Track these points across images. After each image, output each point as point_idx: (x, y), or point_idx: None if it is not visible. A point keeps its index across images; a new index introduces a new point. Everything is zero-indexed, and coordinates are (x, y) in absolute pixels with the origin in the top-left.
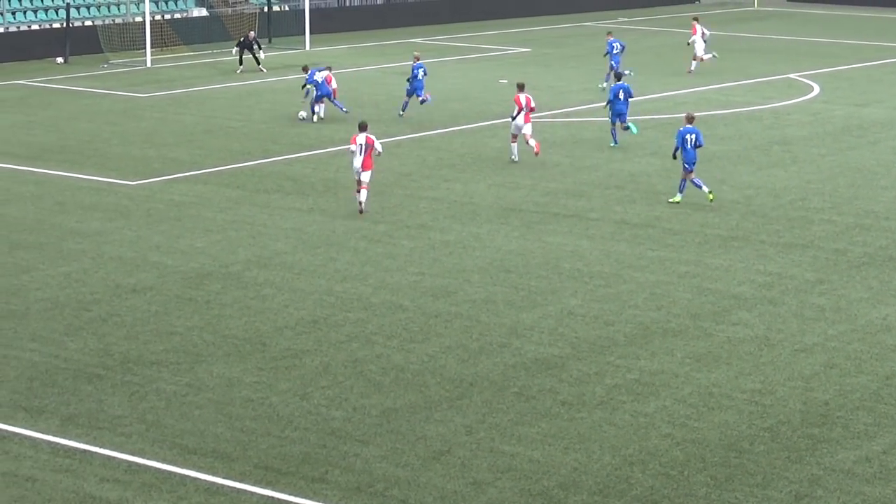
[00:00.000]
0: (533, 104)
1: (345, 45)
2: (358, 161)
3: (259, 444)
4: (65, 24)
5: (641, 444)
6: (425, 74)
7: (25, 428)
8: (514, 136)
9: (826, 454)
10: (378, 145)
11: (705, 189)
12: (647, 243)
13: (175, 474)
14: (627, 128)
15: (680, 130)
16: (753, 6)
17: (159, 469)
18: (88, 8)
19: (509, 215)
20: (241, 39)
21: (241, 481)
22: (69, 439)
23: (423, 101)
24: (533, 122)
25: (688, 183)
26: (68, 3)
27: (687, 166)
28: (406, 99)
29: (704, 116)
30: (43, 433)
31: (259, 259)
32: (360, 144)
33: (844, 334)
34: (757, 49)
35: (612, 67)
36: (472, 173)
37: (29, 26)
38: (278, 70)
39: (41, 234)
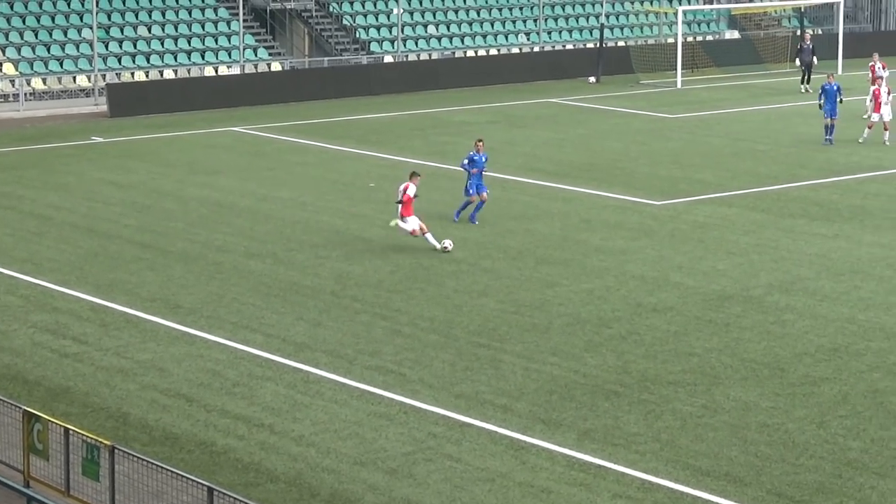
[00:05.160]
0: None
1: None
2: None
3: (773, 471)
4: (598, 45)
5: None
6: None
7: (543, 440)
8: None
9: None
10: None
11: None
12: None
13: (687, 495)
14: None
15: None
16: None
17: (671, 489)
18: (622, 29)
19: None
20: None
21: None
22: (585, 454)
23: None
24: None
25: None
26: (602, 24)
27: None
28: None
29: None
30: (559, 446)
31: (781, 284)
32: None
33: None
34: None
35: None
36: None
37: (563, 45)
38: (807, 95)
39: (566, 251)
